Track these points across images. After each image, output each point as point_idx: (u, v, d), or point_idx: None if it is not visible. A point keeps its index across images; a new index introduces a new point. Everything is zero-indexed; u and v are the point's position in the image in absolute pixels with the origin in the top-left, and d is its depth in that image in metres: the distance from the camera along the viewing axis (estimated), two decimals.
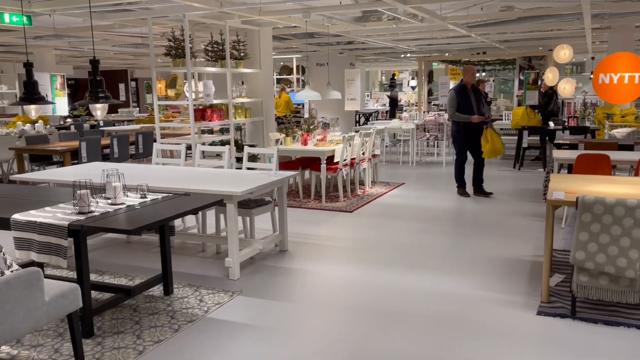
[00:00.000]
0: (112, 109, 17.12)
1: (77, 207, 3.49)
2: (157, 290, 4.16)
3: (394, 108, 17.78)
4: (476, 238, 5.56)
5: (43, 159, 8.36)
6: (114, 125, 12.77)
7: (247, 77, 8.82)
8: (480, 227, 6.02)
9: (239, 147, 8.65)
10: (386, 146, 11.32)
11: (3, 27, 8.81)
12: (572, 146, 7.62)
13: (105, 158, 8.04)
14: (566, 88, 10.12)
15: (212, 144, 8.01)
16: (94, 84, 3.90)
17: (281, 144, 7.53)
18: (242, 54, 8.07)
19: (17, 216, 3.37)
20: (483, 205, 6.99)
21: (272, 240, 5.08)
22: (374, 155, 8.32)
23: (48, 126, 10.40)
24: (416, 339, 3.36)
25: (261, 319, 3.67)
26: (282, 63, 17.62)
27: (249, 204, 4.95)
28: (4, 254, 2.94)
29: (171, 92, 7.79)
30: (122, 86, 20.62)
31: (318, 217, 6.47)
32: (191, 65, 7.22)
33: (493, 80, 16.76)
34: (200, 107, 7.65)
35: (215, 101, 7.60)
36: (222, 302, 3.94)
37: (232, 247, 4.38)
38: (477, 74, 19.81)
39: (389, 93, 19.11)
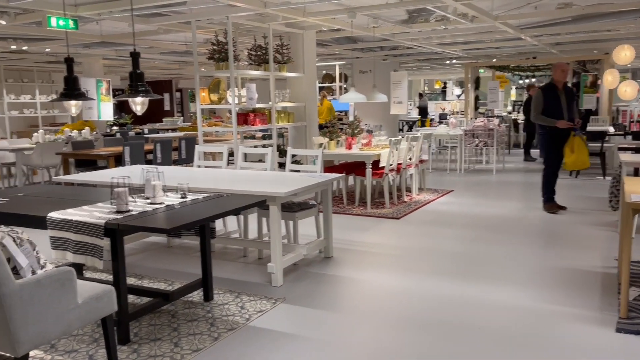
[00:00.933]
0: (157, 119, 17.35)
1: (114, 206, 3.32)
2: (197, 295, 3.95)
3: (424, 117, 17.54)
4: (537, 248, 5.14)
5: (88, 164, 8.40)
6: (158, 133, 12.86)
7: (290, 82, 8.65)
8: (539, 236, 5.59)
9: (282, 152, 8.46)
10: (432, 153, 10.91)
11: (53, 36, 8.97)
12: (638, 150, 7.11)
13: (149, 163, 7.98)
14: (627, 91, 9.54)
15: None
16: (134, 77, 3.75)
17: (325, 148, 7.28)
18: (285, 58, 7.90)
19: (53, 214, 3.23)
20: (541, 215, 6.53)
21: (317, 246, 4.82)
22: (421, 161, 7.97)
23: (94, 133, 10.53)
24: (481, 355, 3.02)
25: (306, 329, 3.40)
26: (324, 72, 17.45)
27: (292, 208, 4.71)
28: (37, 253, 2.78)
29: (214, 97, 7.67)
30: (166, 96, 20.93)
31: (363, 224, 6.17)
32: (234, 69, 7.10)
33: None
34: (243, 111, 7.51)
35: (258, 105, 7.44)
36: (264, 310, 3.69)
37: (275, 251, 4.14)
38: (527, 80, 19.17)
39: (417, 102, 18.89)
